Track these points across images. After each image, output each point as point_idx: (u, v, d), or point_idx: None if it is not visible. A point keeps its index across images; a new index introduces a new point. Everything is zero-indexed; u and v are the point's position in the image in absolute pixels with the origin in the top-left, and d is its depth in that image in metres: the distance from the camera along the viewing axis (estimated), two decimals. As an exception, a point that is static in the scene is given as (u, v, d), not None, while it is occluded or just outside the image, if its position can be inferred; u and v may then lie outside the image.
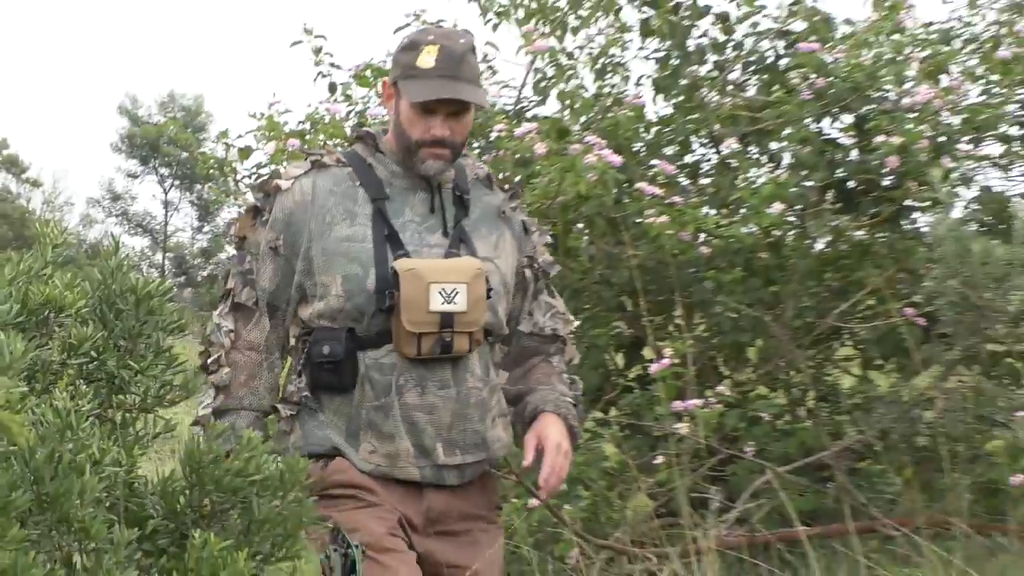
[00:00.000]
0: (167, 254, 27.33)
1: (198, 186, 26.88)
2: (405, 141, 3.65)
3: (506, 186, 3.99)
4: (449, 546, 3.64)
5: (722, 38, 7.21)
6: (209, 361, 3.66)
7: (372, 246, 3.58)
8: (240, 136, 7.08)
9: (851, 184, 6.92)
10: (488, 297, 3.61)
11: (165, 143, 27.18)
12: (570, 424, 3.74)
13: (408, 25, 7.12)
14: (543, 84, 7.14)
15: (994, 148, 6.94)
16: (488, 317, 3.65)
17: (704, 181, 7.17)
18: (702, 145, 7.16)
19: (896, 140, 6.37)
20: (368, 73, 7.06)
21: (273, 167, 6.93)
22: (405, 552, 3.52)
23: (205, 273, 27.14)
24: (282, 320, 3.71)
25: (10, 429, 2.02)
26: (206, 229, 28.00)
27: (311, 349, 3.60)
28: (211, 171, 7.38)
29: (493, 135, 6.63)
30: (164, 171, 27.52)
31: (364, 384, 3.56)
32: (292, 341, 3.75)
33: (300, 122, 6.99)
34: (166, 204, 27.93)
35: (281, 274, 3.67)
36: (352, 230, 3.61)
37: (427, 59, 3.59)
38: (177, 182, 27.48)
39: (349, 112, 7.05)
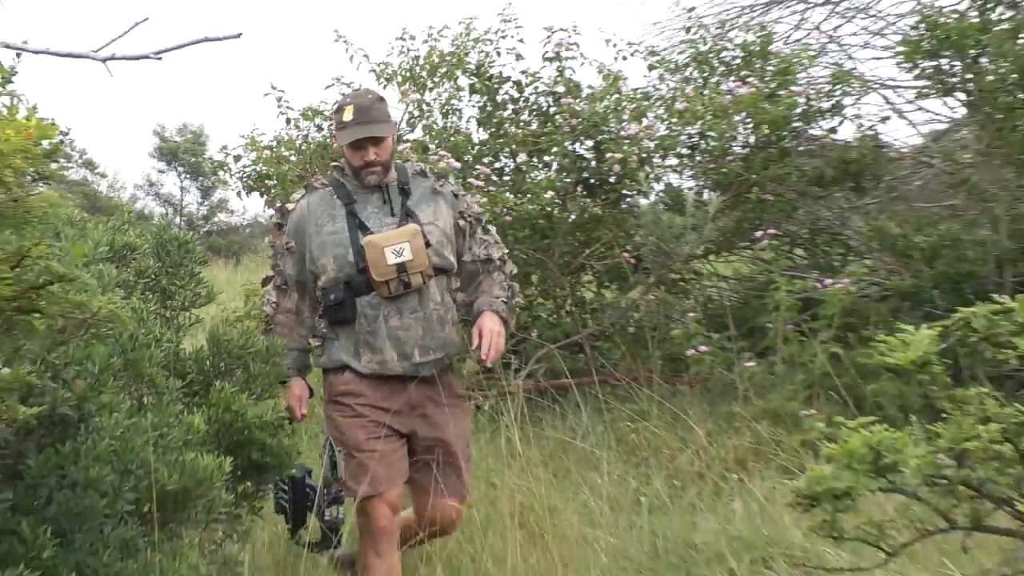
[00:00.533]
0: (183, 218, 26.87)
1: (202, 178, 26.43)
2: (351, 168, 3.59)
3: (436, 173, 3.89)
4: (425, 424, 3.58)
5: (517, 95, 7.24)
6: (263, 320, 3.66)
7: (348, 233, 3.52)
8: (234, 148, 6.98)
9: (592, 181, 6.98)
10: (429, 246, 3.53)
11: (182, 152, 26.64)
12: (502, 316, 3.64)
13: (333, 84, 7.09)
14: (412, 120, 7.10)
15: (673, 161, 7.06)
16: (437, 260, 3.56)
17: (507, 178, 7.19)
18: (505, 157, 7.15)
19: (618, 156, 6.48)
20: (310, 112, 6.98)
21: (253, 167, 6.86)
22: (378, 450, 3.45)
23: (205, 229, 26.68)
24: (308, 292, 3.64)
25: (123, 319, 2.06)
26: (205, 203, 27.54)
27: (324, 299, 3.55)
28: (214, 169, 7.28)
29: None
30: (180, 169, 27.00)
31: (361, 318, 3.51)
32: (318, 299, 3.66)
33: (269, 141, 6.90)
34: (181, 188, 27.38)
35: (298, 264, 3.61)
36: (335, 226, 3.55)
37: (348, 115, 3.54)
38: (188, 176, 26.99)
39: (298, 136, 6.96)
